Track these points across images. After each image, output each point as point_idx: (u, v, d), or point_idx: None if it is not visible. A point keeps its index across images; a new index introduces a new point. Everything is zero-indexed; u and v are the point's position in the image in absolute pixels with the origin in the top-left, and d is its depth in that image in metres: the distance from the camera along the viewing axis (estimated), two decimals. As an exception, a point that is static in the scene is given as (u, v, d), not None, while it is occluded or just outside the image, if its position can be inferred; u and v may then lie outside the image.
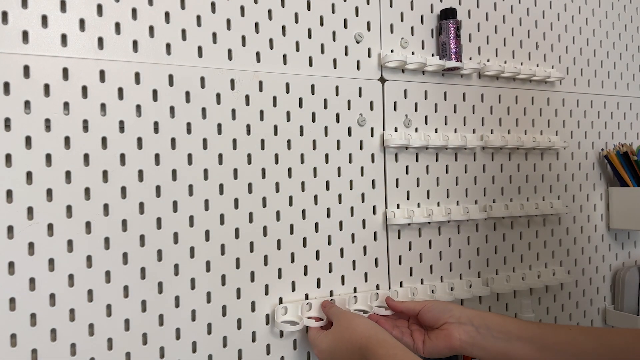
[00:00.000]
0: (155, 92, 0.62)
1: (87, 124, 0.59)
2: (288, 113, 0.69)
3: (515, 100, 0.87)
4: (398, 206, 0.76)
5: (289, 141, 0.69)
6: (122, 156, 0.60)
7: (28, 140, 0.56)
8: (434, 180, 0.79)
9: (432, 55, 0.80)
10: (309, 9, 0.71)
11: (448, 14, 0.78)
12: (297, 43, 0.70)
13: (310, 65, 0.71)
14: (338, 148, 0.73)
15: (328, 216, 0.71)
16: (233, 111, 0.66)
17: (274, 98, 0.69)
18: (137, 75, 0.61)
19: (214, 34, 0.65)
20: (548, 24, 0.91)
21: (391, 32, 0.77)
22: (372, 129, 0.75)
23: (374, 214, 0.75)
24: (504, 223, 0.86)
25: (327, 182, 0.72)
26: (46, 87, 0.57)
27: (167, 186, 0.62)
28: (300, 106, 0.70)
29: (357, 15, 0.74)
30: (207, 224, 0.64)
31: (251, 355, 0.66)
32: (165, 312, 0.62)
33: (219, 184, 0.65)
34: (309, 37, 0.71)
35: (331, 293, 0.72)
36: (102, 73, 0.59)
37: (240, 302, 0.66)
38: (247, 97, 0.67)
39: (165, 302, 0.62)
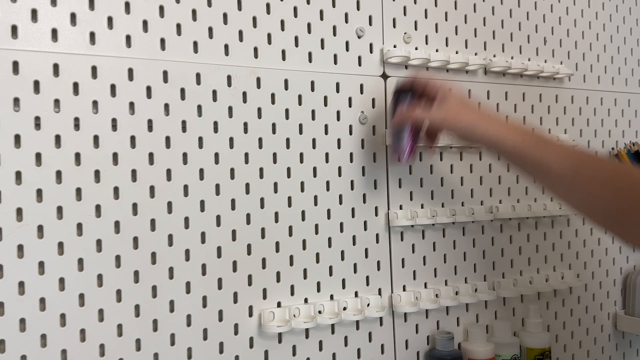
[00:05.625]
0: (149, 89, 0.60)
1: (78, 122, 0.57)
2: (287, 111, 0.68)
3: (523, 97, 0.85)
4: (401, 207, 0.74)
5: (287, 140, 0.67)
6: (115, 155, 0.59)
7: (17, 138, 0.55)
8: (438, 181, 0.77)
9: (437, 50, 0.78)
10: (308, 2, 0.69)
11: (400, 95, 0.66)
12: (296, 38, 0.68)
13: (310, 61, 0.69)
14: (338, 147, 0.71)
15: (328, 217, 0.70)
16: (230, 109, 0.64)
17: (272, 95, 0.67)
18: (130, 71, 0.60)
19: (210, 29, 0.64)
20: (556, 18, 0.89)
21: (394, 26, 0.75)
22: (373, 127, 0.73)
23: (376, 215, 0.73)
24: (510, 224, 0.84)
25: (328, 183, 0.70)
26: (36, 84, 0.56)
27: (161, 186, 0.61)
28: (300, 103, 0.68)
29: (358, 9, 0.72)
30: (203, 226, 0.62)
31: (249, 361, 0.64)
32: (159, 317, 0.60)
33: (215, 184, 0.63)
34: (309, 32, 0.69)
35: (332, 297, 0.70)
36: (94, 69, 0.58)
37: (237, 306, 0.64)
38: (244, 94, 0.65)
39: (159, 306, 0.60)
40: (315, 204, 0.69)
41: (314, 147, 0.69)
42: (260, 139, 0.66)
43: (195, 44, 0.63)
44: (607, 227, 0.55)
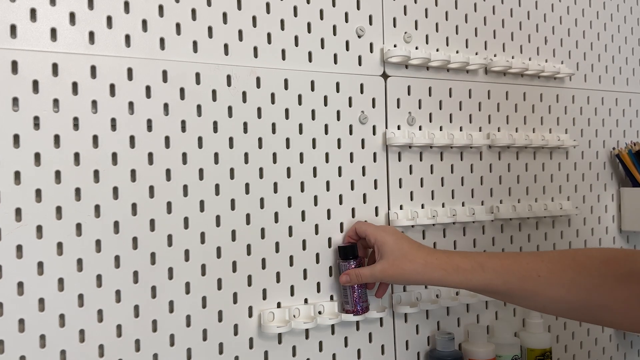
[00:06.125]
0: (148, 88, 0.60)
1: (77, 122, 0.57)
2: (287, 110, 0.67)
3: (523, 97, 0.85)
4: (401, 207, 0.74)
5: (287, 140, 0.67)
6: (114, 155, 0.58)
7: (16, 138, 0.55)
8: (438, 181, 0.77)
9: (437, 50, 0.77)
10: (308, 2, 0.69)
11: (347, 253, 0.66)
12: (296, 37, 0.68)
13: (310, 60, 0.69)
14: (339, 147, 0.70)
15: (328, 218, 0.69)
16: (229, 108, 0.64)
17: (272, 95, 0.67)
18: (129, 71, 0.59)
19: (210, 28, 0.63)
20: (557, 17, 0.89)
21: (394, 26, 0.74)
22: (374, 127, 0.73)
23: (376, 215, 0.72)
24: (511, 225, 0.83)
25: (327, 183, 0.70)
26: (35, 84, 0.55)
27: (160, 186, 0.60)
28: (300, 103, 0.68)
29: (358, 8, 0.72)
30: (202, 226, 0.62)
31: (248, 361, 0.64)
32: (158, 318, 0.60)
33: (215, 184, 0.63)
34: (309, 31, 0.69)
35: (332, 297, 0.70)
36: (93, 69, 0.58)
37: (237, 307, 0.64)
38: (244, 93, 0.65)
39: (159, 307, 0.60)
40: (315, 204, 0.69)
41: (313, 147, 0.69)
42: (260, 139, 0.66)
43: (194, 43, 0.62)
44: (577, 319, 0.60)
